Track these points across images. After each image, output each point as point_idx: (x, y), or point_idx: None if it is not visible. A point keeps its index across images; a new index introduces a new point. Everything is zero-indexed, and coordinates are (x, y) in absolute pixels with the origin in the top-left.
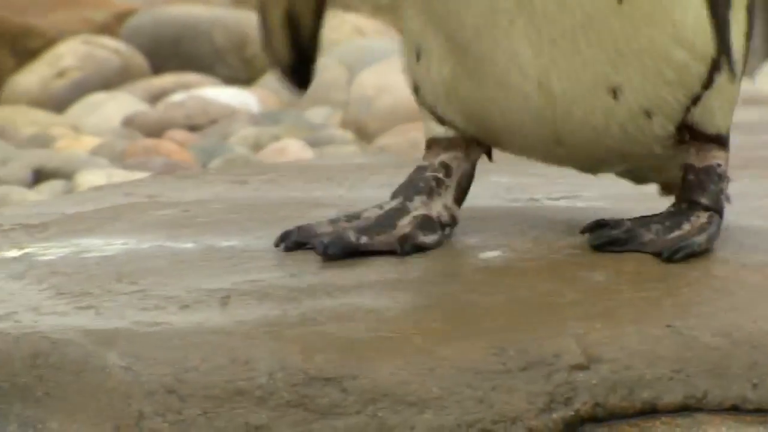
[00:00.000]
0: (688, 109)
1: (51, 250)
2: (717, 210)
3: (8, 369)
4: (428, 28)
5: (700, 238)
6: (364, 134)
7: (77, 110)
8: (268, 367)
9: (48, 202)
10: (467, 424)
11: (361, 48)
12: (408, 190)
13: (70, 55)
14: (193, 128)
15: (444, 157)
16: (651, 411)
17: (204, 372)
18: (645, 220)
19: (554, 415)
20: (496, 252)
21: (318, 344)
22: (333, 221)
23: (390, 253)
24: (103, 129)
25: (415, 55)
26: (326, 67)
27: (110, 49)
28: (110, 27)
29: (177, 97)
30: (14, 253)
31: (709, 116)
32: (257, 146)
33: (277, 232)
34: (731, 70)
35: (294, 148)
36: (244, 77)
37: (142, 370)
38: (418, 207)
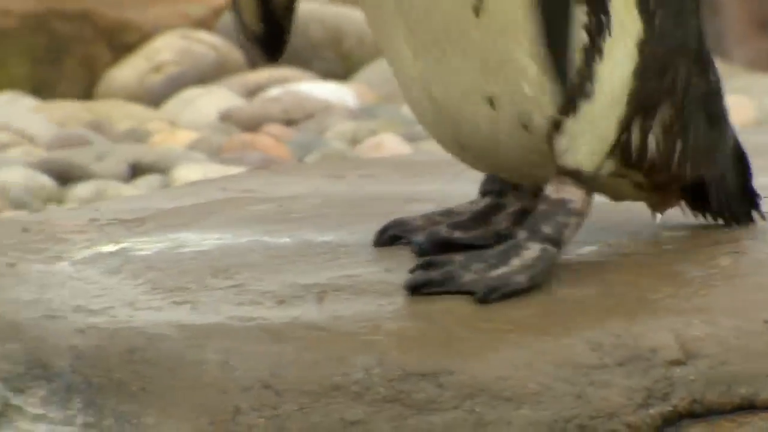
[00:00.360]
0: (551, 136)
1: (147, 245)
2: (555, 242)
3: (104, 364)
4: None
5: (521, 278)
6: None
7: (173, 105)
8: (365, 362)
9: (144, 196)
10: (564, 420)
11: None
12: (495, 183)
13: (166, 49)
14: (289, 123)
15: None
16: (749, 407)
17: (300, 367)
18: (472, 258)
19: (651, 411)
20: (592, 247)
21: (414, 340)
22: (426, 215)
23: (483, 246)
24: (200, 124)
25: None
26: None
27: (207, 44)
28: (207, 21)
29: (273, 91)
30: (111, 247)
31: (572, 148)
32: (354, 141)
33: (373, 227)
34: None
35: (391, 143)
36: (341, 72)
37: (237, 366)
38: (512, 202)
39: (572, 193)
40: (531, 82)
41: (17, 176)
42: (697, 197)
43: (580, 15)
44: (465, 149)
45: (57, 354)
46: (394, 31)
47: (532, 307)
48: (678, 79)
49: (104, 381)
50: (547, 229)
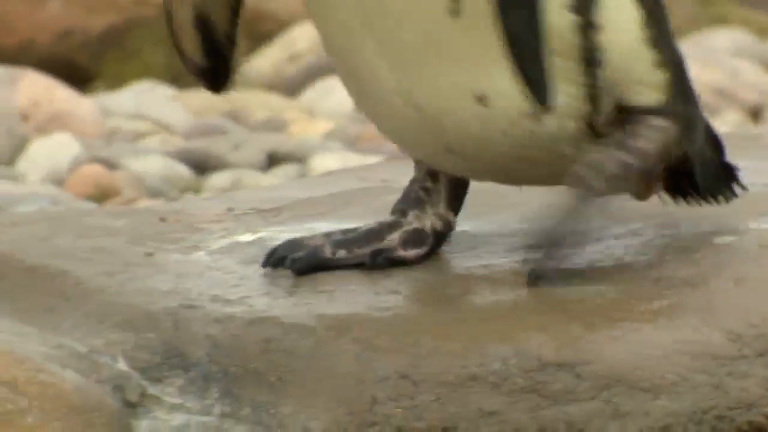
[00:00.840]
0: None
1: (284, 235)
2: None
3: (241, 354)
4: (329, 51)
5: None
6: None
7: (310, 94)
8: (502, 353)
9: (281, 186)
10: (702, 411)
11: None
12: (403, 204)
13: (303, 39)
14: None
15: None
16: None
17: (437, 358)
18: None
19: None
20: (731, 237)
21: (551, 330)
22: (327, 234)
23: (359, 266)
24: (336, 113)
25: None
26: None
27: None
28: None
29: None
30: (248, 237)
31: (636, 84)
32: None
33: (503, 217)
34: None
35: None
36: None
37: (375, 356)
38: (411, 221)
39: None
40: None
41: (154, 165)
42: (680, 180)
43: None
44: (453, 153)
45: (194, 344)
46: (362, 47)
47: (666, 299)
48: (672, 41)
49: (241, 371)
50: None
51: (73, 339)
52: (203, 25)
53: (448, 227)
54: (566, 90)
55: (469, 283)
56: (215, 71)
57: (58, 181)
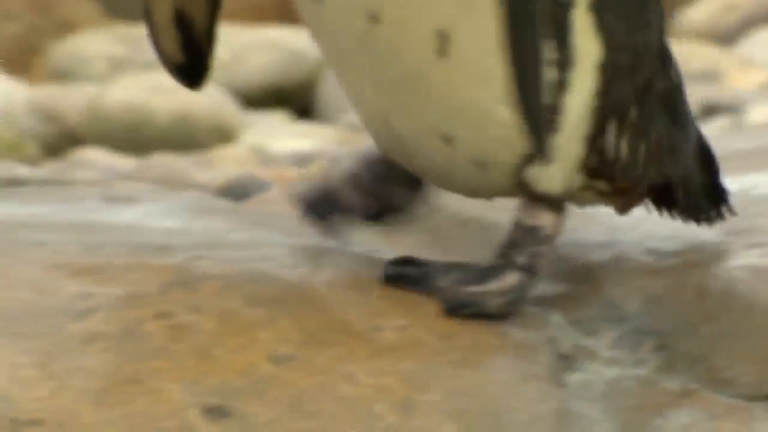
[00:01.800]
0: (520, 168)
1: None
2: (530, 270)
3: (675, 306)
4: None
5: (494, 302)
6: None
7: (747, 45)
8: None
9: (715, 137)
10: None
11: None
12: None
13: None
14: None
15: None
16: None
17: None
18: (452, 267)
19: None
20: None
21: None
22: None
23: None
24: None
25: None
26: None
27: None
28: None
29: None
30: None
31: (543, 175)
32: None
33: None
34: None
35: None
36: None
37: None
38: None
39: (544, 219)
40: (499, 124)
41: None
42: (663, 196)
43: (548, 52)
44: (426, 176)
45: (628, 296)
46: (356, 67)
47: None
48: (641, 82)
49: (675, 323)
50: (521, 258)
51: None
52: (182, 21)
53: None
54: (503, 150)
55: None
56: (192, 68)
57: None
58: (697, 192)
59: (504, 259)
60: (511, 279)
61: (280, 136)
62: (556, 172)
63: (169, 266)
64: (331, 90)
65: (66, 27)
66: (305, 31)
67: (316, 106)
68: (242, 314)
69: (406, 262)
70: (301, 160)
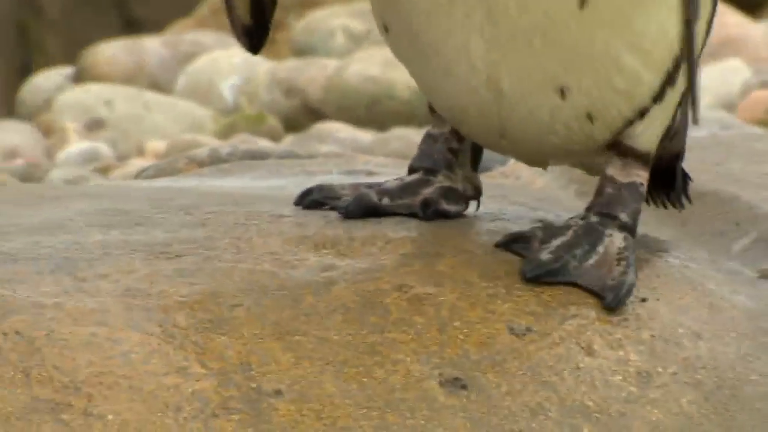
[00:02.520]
0: (630, 122)
1: None
2: (632, 230)
3: None
4: (388, 3)
5: (631, 278)
6: None
7: None
8: None
9: None
10: None
11: None
12: (426, 162)
13: None
14: None
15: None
16: None
17: None
18: (555, 236)
19: None
20: None
21: None
22: (353, 185)
23: (412, 215)
24: None
25: (383, 27)
26: None
27: None
28: None
29: None
30: None
31: (646, 132)
32: None
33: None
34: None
35: None
36: None
37: None
38: (441, 180)
39: (641, 176)
40: (627, 75)
41: None
42: (658, 177)
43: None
44: (505, 137)
45: None
46: (467, 22)
47: None
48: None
49: None
50: (624, 216)
51: (743, 264)
52: None
53: (477, 192)
54: (621, 102)
55: None
56: (256, 31)
57: (729, 106)
58: (682, 174)
59: (603, 217)
60: (617, 241)
61: None
62: (658, 129)
63: (406, 239)
64: None
65: (307, 3)
66: None
67: None
68: (480, 286)
69: (516, 240)
70: None
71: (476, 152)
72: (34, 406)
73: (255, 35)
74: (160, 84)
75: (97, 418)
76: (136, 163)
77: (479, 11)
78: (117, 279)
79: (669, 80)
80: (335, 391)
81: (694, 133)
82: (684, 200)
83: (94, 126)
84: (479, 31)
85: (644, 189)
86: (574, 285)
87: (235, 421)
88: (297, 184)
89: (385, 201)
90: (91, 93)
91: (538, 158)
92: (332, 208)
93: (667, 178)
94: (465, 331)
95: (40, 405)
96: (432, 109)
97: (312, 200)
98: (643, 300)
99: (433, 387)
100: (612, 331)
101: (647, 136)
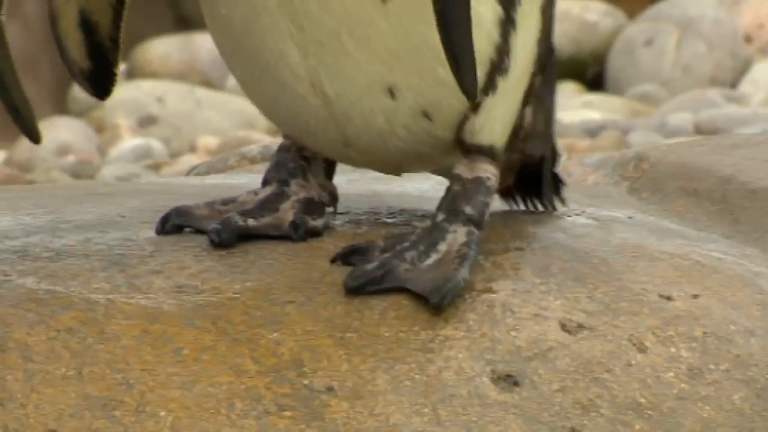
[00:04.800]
0: (466, 117)
1: None
2: (478, 223)
3: None
4: (214, 25)
5: (463, 273)
6: None
7: None
8: None
9: None
10: None
11: None
12: (280, 173)
13: None
14: None
15: None
16: None
17: None
18: (399, 243)
19: None
20: None
21: None
22: (209, 204)
23: (282, 237)
24: None
25: (220, 51)
26: None
27: None
28: None
29: None
30: None
31: (487, 125)
32: None
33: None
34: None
35: None
36: None
37: None
38: (296, 191)
39: (488, 171)
40: (447, 65)
41: None
42: (525, 179)
43: None
44: (350, 146)
45: None
46: (272, 30)
47: None
48: (550, 44)
49: None
50: (469, 209)
51: None
52: (87, 27)
53: (334, 199)
54: (450, 95)
55: None
56: (97, 75)
57: None
58: (551, 176)
59: (448, 214)
60: (459, 236)
61: (571, 106)
62: (499, 121)
63: None
64: (620, 61)
65: None
66: (594, 2)
67: (605, 77)
68: (532, 283)
69: (353, 252)
70: (591, 130)
71: (331, 163)
72: (86, 403)
73: (97, 79)
74: (211, 81)
75: (150, 415)
76: (188, 160)
77: (283, 18)
78: (169, 275)
79: (495, 69)
80: (387, 388)
81: (745, 130)
82: (556, 203)
83: (146, 122)
84: (289, 37)
85: (492, 183)
86: (405, 290)
87: (287, 418)
88: (348, 181)
89: (251, 222)
90: (143, 90)
91: (390, 165)
92: (197, 231)
93: (535, 182)
94: (517, 327)
95: (93, 402)
96: None
97: (172, 225)
98: (695, 296)
99: (485, 383)
100: (664, 328)
101: (487, 130)
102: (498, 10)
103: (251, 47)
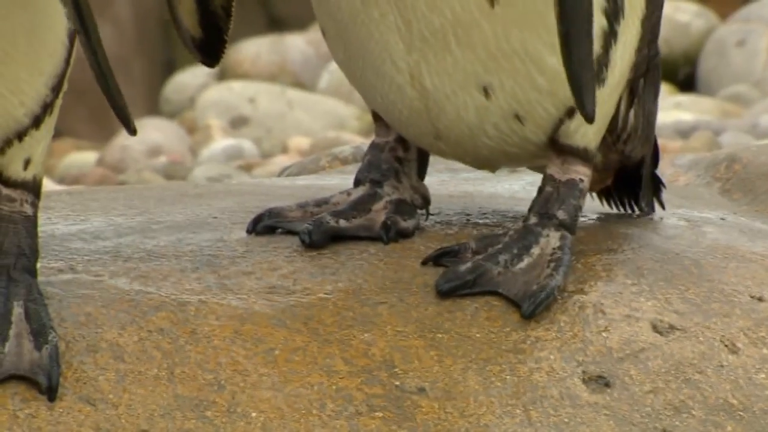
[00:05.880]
0: (561, 121)
1: None
2: (570, 228)
3: None
4: (321, 7)
5: (557, 280)
6: None
7: None
8: None
9: None
10: None
11: None
12: (373, 173)
13: None
14: None
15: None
16: None
17: None
18: (491, 245)
19: None
20: None
21: None
22: (301, 205)
23: (371, 239)
24: None
25: (322, 31)
26: None
27: None
28: None
29: None
30: None
31: (582, 128)
32: None
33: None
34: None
35: None
36: None
37: None
38: (389, 192)
39: (580, 172)
40: (549, 75)
41: None
42: (623, 182)
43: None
44: (440, 138)
45: None
46: (383, 22)
47: None
48: (652, 50)
49: None
50: (561, 214)
51: None
52: None
53: (426, 202)
54: (546, 101)
55: None
56: (207, 43)
57: None
58: (650, 179)
59: (540, 217)
60: (552, 241)
61: (662, 107)
62: (593, 126)
63: None
64: (712, 62)
65: None
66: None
67: (697, 78)
68: (624, 284)
69: (445, 254)
70: (683, 131)
71: (422, 161)
72: (177, 404)
73: (208, 49)
74: (303, 82)
75: (241, 415)
76: (280, 161)
77: (392, 12)
78: (260, 276)
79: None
80: (478, 389)
81: None
82: (656, 206)
83: (237, 123)
84: (396, 31)
85: (585, 185)
86: (496, 294)
87: (378, 418)
88: (440, 182)
89: (343, 223)
90: (234, 91)
91: (480, 161)
92: (288, 232)
93: (634, 184)
94: (608, 328)
95: (184, 402)
96: (375, 117)
97: (264, 226)
98: None
99: (576, 384)
100: (755, 329)
101: (582, 133)
102: (603, 23)
103: (357, 34)
